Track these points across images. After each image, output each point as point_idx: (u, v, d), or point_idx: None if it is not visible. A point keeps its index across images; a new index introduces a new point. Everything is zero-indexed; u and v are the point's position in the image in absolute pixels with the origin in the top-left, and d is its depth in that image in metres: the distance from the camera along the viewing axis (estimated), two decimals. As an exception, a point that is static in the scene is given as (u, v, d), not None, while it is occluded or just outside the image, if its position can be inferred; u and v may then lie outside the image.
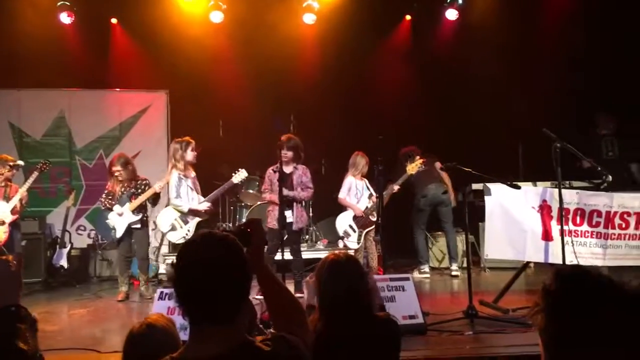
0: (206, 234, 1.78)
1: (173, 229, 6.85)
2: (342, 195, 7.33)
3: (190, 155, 6.84)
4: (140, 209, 7.06)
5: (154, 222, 7.37)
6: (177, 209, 6.83)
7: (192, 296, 1.66)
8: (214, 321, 1.66)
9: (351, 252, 7.34)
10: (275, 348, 1.69)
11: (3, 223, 7.12)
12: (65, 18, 9.29)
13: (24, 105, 9.55)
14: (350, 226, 7.32)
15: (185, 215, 6.83)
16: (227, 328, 1.67)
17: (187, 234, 6.77)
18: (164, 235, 6.94)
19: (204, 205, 6.87)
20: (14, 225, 7.25)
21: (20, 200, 7.22)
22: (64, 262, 8.29)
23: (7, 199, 7.17)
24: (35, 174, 7.28)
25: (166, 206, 7.14)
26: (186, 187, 6.82)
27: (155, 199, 7.15)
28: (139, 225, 7.07)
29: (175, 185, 6.76)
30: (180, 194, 6.78)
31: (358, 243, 7.26)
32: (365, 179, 7.33)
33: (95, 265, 9.03)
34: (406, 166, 7.14)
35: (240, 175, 6.95)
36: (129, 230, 7.05)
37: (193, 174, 7.00)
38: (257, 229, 2.00)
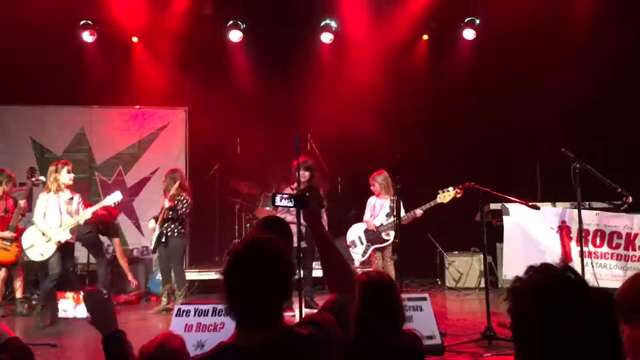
0: (251, 241, 1.87)
1: (32, 246, 6.78)
2: (365, 218, 7.31)
3: (65, 177, 6.88)
4: (174, 221, 7.33)
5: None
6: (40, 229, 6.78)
7: (241, 302, 1.78)
8: (261, 323, 1.79)
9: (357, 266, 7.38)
10: (311, 331, 1.84)
11: (16, 239, 7.21)
12: (87, 36, 9.50)
13: (46, 122, 9.74)
14: (359, 238, 7.27)
15: (46, 234, 6.74)
16: (272, 325, 1.80)
17: (43, 254, 6.71)
18: (24, 251, 6.88)
19: (60, 236, 6.74)
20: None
21: (20, 212, 7.36)
22: None
23: (7, 212, 7.31)
24: (27, 185, 7.36)
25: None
26: (55, 208, 6.80)
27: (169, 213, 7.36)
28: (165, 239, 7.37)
29: (42, 206, 6.81)
30: (45, 214, 6.77)
31: (363, 256, 7.21)
32: (391, 197, 7.15)
33: (112, 280, 9.04)
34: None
35: (113, 197, 6.93)
36: (159, 243, 7.38)
37: (69, 195, 6.94)
38: (314, 194, 2.19)
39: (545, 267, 1.46)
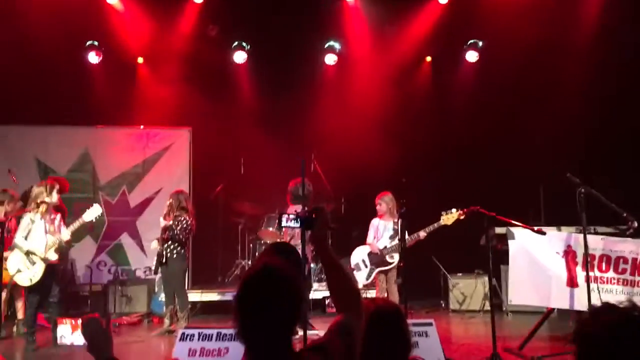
0: (264, 267, 1.89)
1: (19, 271, 6.63)
2: (368, 240, 7.27)
3: (55, 197, 6.82)
4: (173, 242, 7.26)
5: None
6: (22, 250, 6.65)
7: (252, 327, 1.81)
8: (270, 348, 1.82)
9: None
10: (319, 357, 1.88)
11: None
12: (93, 57, 9.59)
13: (51, 142, 9.73)
14: (363, 261, 7.22)
15: (32, 256, 6.64)
16: (281, 351, 1.84)
17: (32, 278, 6.59)
18: (12, 277, 6.70)
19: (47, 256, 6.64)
20: None
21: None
22: None
23: (10, 232, 7.22)
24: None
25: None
26: (41, 229, 6.68)
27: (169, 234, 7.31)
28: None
29: (25, 226, 6.69)
30: (29, 236, 6.66)
31: (367, 279, 7.16)
32: (394, 220, 7.11)
33: (115, 301, 9.01)
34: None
35: (92, 212, 6.86)
36: (160, 264, 7.34)
37: (52, 215, 6.83)
38: (321, 215, 2.21)
39: (610, 307, 1.47)
